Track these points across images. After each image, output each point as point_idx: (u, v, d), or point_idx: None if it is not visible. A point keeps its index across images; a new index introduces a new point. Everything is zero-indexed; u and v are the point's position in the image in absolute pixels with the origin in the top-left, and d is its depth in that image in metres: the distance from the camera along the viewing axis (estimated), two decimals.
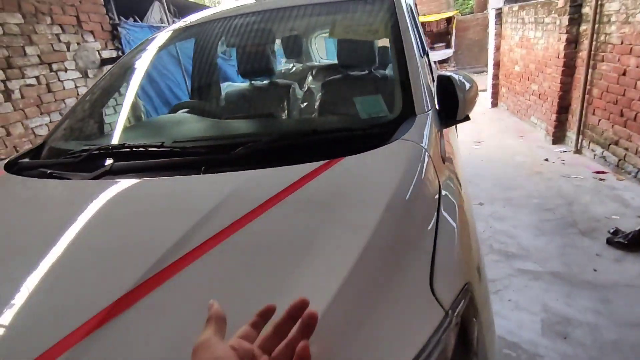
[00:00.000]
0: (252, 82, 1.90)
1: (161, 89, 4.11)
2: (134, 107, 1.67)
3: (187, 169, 0.85)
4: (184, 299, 0.53)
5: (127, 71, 1.59)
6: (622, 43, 2.92)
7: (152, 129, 1.38)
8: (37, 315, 0.54)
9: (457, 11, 11.20)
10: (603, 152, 3.31)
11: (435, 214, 0.67)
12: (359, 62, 1.47)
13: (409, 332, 0.48)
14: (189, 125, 1.27)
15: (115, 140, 1.21)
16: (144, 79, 2.97)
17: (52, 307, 0.55)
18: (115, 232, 0.69)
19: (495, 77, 6.32)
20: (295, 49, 2.46)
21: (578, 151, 3.72)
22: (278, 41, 2.33)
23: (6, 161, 1.18)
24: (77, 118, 1.38)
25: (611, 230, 2.26)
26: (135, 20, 4.01)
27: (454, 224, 0.69)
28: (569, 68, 3.75)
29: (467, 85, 1.13)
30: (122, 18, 3.73)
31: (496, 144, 4.39)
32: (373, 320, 0.48)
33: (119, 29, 3.61)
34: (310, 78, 2.70)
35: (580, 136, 3.68)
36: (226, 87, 2.16)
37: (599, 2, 3.16)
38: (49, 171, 0.99)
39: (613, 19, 3.02)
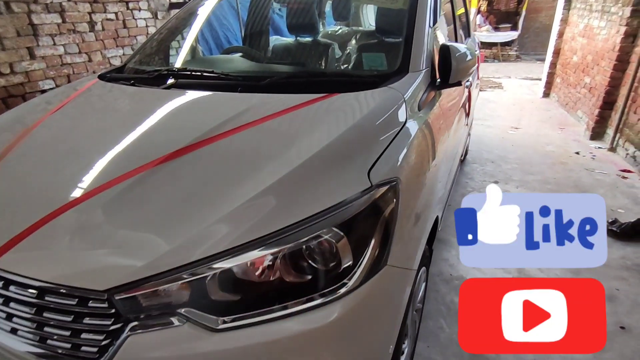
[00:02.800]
0: (298, 38, 2.17)
1: (219, 37, 4.46)
2: (193, 46, 2.00)
3: (228, 89, 1.18)
4: (205, 165, 0.86)
5: (190, 16, 1.91)
6: None
7: (206, 63, 1.71)
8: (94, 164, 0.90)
9: None
10: (635, 151, 3.28)
11: (393, 137, 0.95)
12: (384, 28, 1.69)
13: (342, 191, 0.77)
14: (235, 63, 1.60)
15: (178, 66, 1.57)
16: (204, 24, 3.33)
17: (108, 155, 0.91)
18: (164, 120, 1.05)
19: (553, 65, 6.05)
20: (344, 13, 2.66)
21: (612, 149, 3.67)
22: (330, 4, 2.55)
23: (100, 73, 1.58)
24: (150, 49, 1.74)
25: (610, 220, 2.37)
26: None
27: (405, 148, 0.96)
28: (621, 62, 3.63)
29: (466, 57, 1.34)
30: None
31: (533, 132, 4.37)
32: (321, 182, 0.78)
33: None
34: (353, 41, 2.91)
35: (618, 134, 3.62)
36: (274, 40, 2.45)
37: None
38: (131, 81, 1.36)
39: None
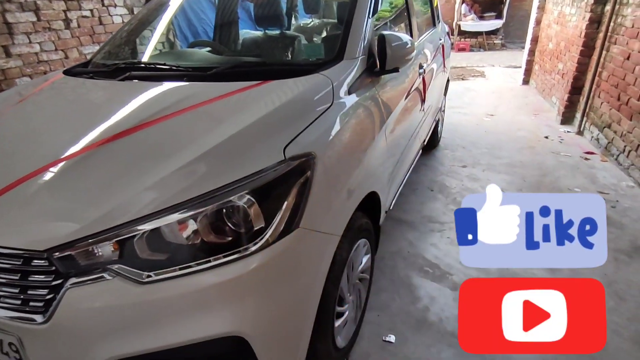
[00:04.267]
0: (266, 31, 2.26)
1: (198, 32, 4.53)
2: (161, 39, 2.10)
3: (177, 79, 1.29)
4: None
5: (157, 10, 2.00)
6: (632, 26, 2.95)
7: (168, 56, 1.81)
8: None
9: None
10: (598, 134, 3.42)
11: (315, 117, 1.06)
12: (332, 20, 1.79)
13: (258, 163, 0.89)
14: (194, 56, 1.70)
15: (135, 60, 1.67)
16: (181, 18, 3.40)
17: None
18: (112, 107, 1.17)
19: (531, 53, 6.16)
20: (313, 5, 2.75)
21: (580, 132, 3.81)
22: None
23: (64, 69, 1.67)
24: (114, 44, 1.83)
25: None
26: None
27: (327, 128, 1.08)
28: (587, 48, 3.75)
29: (403, 45, 1.45)
30: None
31: (507, 119, 4.49)
32: (240, 156, 0.90)
33: None
34: (324, 33, 3.01)
35: (585, 118, 3.75)
36: (244, 34, 2.54)
37: None
38: (91, 74, 1.46)
39: (631, 0, 3.02)
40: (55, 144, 1.01)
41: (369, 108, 1.35)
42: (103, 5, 3.47)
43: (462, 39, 10.31)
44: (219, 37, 2.60)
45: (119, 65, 1.49)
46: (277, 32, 2.24)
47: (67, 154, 0.94)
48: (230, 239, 0.85)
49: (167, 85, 1.25)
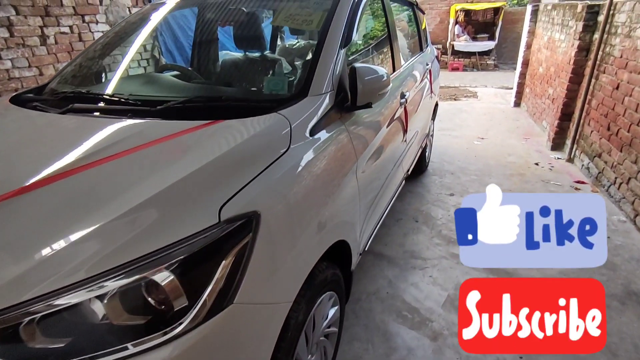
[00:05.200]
0: (246, 53, 2.16)
1: (184, 49, 4.45)
2: (128, 60, 1.96)
3: (121, 114, 1.16)
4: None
5: (132, 28, 1.87)
6: (621, 56, 2.89)
7: (129, 82, 1.68)
8: None
9: (505, 2, 10.62)
10: (589, 163, 3.33)
11: (268, 166, 0.94)
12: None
13: (185, 229, 0.75)
14: (153, 84, 1.58)
15: (90, 87, 1.54)
16: (158, 34, 3.27)
17: None
18: (37, 149, 1.05)
19: (522, 76, 6.16)
20: None
21: (570, 160, 3.73)
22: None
23: (13, 95, 1.54)
24: (76, 65, 1.71)
25: None
26: None
27: (283, 178, 0.95)
28: (577, 75, 3.70)
29: (375, 78, 1.34)
30: None
31: (498, 142, 4.42)
32: (166, 219, 0.76)
33: None
34: (310, 55, 2.92)
35: (575, 145, 3.68)
36: (224, 55, 2.43)
37: (611, 12, 3.10)
38: (34, 104, 1.33)
39: (619, 31, 2.97)
40: None
41: (336, 149, 1.23)
42: (84, 21, 3.38)
43: (456, 59, 10.39)
44: (197, 58, 2.50)
45: (66, 93, 1.36)
46: (257, 54, 2.14)
47: None
48: (146, 321, 0.70)
49: (107, 123, 1.12)
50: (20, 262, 0.69)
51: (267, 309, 0.87)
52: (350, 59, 1.78)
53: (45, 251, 0.70)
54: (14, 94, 1.56)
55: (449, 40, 10.60)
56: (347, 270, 1.49)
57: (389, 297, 1.95)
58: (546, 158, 3.87)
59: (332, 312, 1.35)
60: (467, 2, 10.73)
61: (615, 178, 2.84)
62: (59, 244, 0.71)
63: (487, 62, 10.37)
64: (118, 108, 1.21)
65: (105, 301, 0.68)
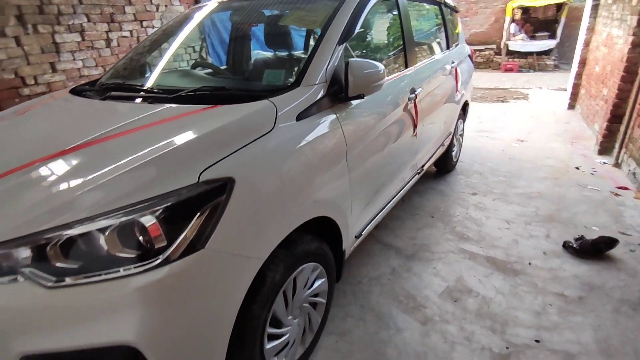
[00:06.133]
0: (276, 52, 2.36)
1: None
2: (167, 59, 2.24)
3: (144, 100, 1.41)
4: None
5: (163, 34, 2.17)
6: None
7: (157, 76, 1.93)
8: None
9: None
10: (635, 168, 3.10)
11: (250, 142, 1.11)
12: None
13: (171, 185, 0.94)
14: (176, 78, 1.84)
15: (130, 80, 1.83)
16: (206, 35, 3.61)
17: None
18: (78, 123, 1.33)
19: (578, 76, 5.76)
20: None
21: (617, 165, 3.48)
22: None
23: (72, 87, 1.87)
24: (120, 66, 2.02)
25: (576, 237, 2.30)
26: None
27: (263, 152, 1.12)
28: (629, 74, 3.45)
29: (368, 72, 1.45)
30: None
31: (539, 145, 4.22)
32: (158, 177, 0.96)
33: None
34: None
35: (624, 149, 3.43)
36: (256, 54, 2.67)
37: None
38: (85, 93, 1.64)
39: None
40: (12, 155, 1.16)
41: (323, 134, 1.36)
42: (142, 26, 3.83)
43: (510, 59, 9.88)
44: (230, 55, 2.74)
45: (108, 85, 1.66)
46: (285, 53, 2.33)
47: (16, 165, 1.08)
48: (134, 253, 0.91)
49: (131, 107, 1.38)
50: (52, 200, 0.93)
51: (237, 259, 1.04)
52: (358, 54, 1.91)
53: (68, 193, 0.94)
54: (73, 86, 1.90)
55: (503, 39, 10.12)
56: (339, 249, 1.62)
57: (389, 282, 2.03)
58: (590, 162, 3.64)
59: (317, 283, 1.49)
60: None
61: None
62: (78, 190, 0.94)
63: (546, 62, 9.73)
64: (143, 95, 1.46)
65: (106, 234, 0.90)
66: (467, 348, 1.60)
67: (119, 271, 0.89)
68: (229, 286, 1.04)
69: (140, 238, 0.91)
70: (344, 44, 1.56)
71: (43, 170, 1.05)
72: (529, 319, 1.74)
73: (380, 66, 1.50)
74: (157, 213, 0.91)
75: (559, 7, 9.73)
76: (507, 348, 1.59)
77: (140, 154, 1.03)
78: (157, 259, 0.90)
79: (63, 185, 0.98)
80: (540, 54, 9.78)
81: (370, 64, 1.48)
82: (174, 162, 1.01)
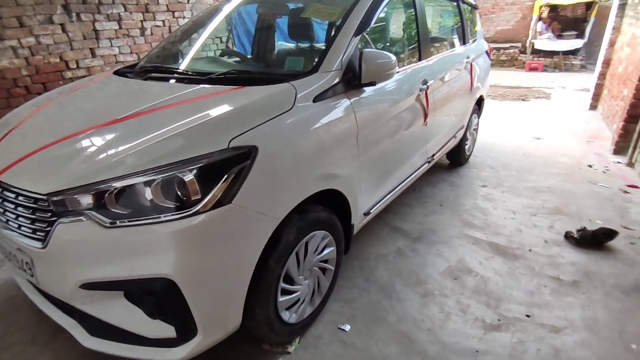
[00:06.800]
0: (298, 43, 2.53)
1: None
2: (198, 46, 2.44)
3: (181, 81, 1.60)
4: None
5: (195, 24, 2.37)
6: None
7: (195, 61, 2.14)
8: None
9: None
10: None
11: (272, 117, 1.28)
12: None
13: (206, 148, 1.13)
14: (208, 63, 2.04)
15: (164, 63, 2.04)
16: (233, 27, 3.83)
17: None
18: (128, 97, 1.55)
19: (602, 76, 5.69)
20: None
21: (630, 164, 3.50)
22: None
23: (115, 69, 2.10)
24: (157, 51, 2.24)
25: (579, 228, 2.39)
26: None
27: (283, 127, 1.29)
28: None
29: (381, 62, 1.60)
30: None
31: (555, 143, 4.25)
32: (196, 142, 1.15)
33: None
34: None
35: (638, 149, 3.44)
36: (279, 45, 2.84)
37: None
38: (127, 74, 1.85)
39: None
40: (73, 123, 1.37)
41: (336, 115, 1.53)
42: (174, 16, 4.06)
43: (536, 58, 9.73)
44: (257, 45, 2.91)
45: (147, 68, 1.87)
46: (307, 44, 2.50)
47: (78, 130, 1.29)
48: (174, 204, 1.10)
49: (171, 86, 1.57)
50: (108, 158, 1.14)
51: (257, 215, 1.21)
52: (373, 46, 2.06)
53: (121, 153, 1.14)
54: (116, 68, 2.12)
55: (529, 38, 9.96)
56: (348, 223, 1.79)
57: (394, 260, 2.19)
58: (604, 161, 3.67)
59: (327, 250, 1.66)
60: None
61: None
62: (129, 150, 1.14)
63: (573, 62, 9.53)
64: (181, 77, 1.65)
65: (152, 187, 1.09)
66: (462, 318, 1.74)
67: (160, 217, 1.08)
68: (250, 237, 1.22)
69: (179, 191, 1.10)
70: (360, 35, 1.71)
71: (100, 135, 1.25)
72: (522, 297, 1.87)
73: (392, 57, 1.64)
74: (194, 171, 1.10)
75: (589, 5, 9.49)
76: (499, 320, 1.72)
77: (179, 123, 1.22)
78: (192, 209, 1.09)
79: (117, 147, 1.18)
80: (567, 53, 9.58)
81: (382, 54, 1.62)
82: (208, 131, 1.20)
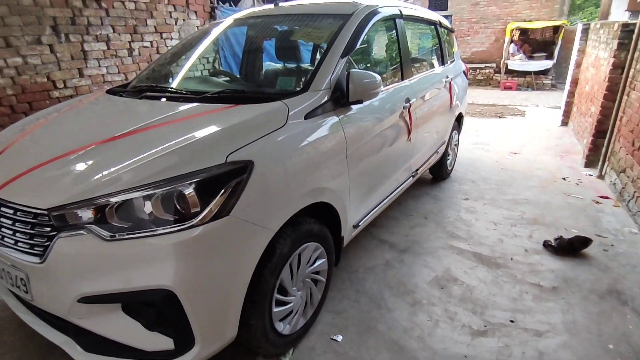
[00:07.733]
0: (285, 64, 2.63)
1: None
2: (187, 67, 2.52)
3: (173, 100, 1.66)
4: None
5: (190, 45, 2.45)
6: None
7: (186, 81, 2.20)
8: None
9: (566, 21, 10.28)
10: (616, 179, 3.33)
11: (267, 134, 1.35)
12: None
13: (204, 164, 1.18)
14: (200, 83, 2.11)
15: (156, 83, 2.10)
16: (220, 49, 3.93)
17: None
18: (120, 116, 1.60)
19: (571, 94, 6.05)
20: None
21: (601, 176, 3.70)
22: None
23: (108, 89, 2.14)
24: (148, 72, 2.29)
25: (556, 237, 2.51)
26: (230, 5, 5.06)
27: (276, 143, 1.36)
28: (611, 93, 3.71)
29: (367, 81, 1.70)
30: (220, 2, 4.79)
31: (531, 158, 4.45)
32: (192, 157, 1.20)
33: (216, 11, 4.67)
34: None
35: (607, 162, 3.66)
36: (266, 66, 2.94)
37: None
38: (121, 93, 1.90)
39: None
40: (71, 141, 1.40)
41: (326, 131, 1.61)
42: (161, 38, 4.14)
43: (510, 78, 10.22)
44: (244, 65, 2.99)
45: (142, 87, 1.92)
46: (294, 65, 2.60)
47: (76, 147, 1.32)
48: (173, 217, 1.14)
49: (165, 105, 1.63)
50: (109, 173, 1.17)
51: (254, 227, 1.26)
52: (360, 67, 2.17)
53: (121, 168, 1.18)
54: (109, 88, 2.16)
55: (503, 59, 10.49)
56: (339, 236, 1.85)
57: (383, 272, 2.24)
58: (577, 174, 3.87)
59: (319, 262, 1.71)
60: (524, 20, 10.58)
61: (634, 192, 2.86)
62: (129, 165, 1.18)
63: (544, 81, 10.07)
64: (175, 96, 1.71)
65: (152, 201, 1.13)
66: (450, 325, 1.80)
67: (160, 230, 1.12)
68: (247, 248, 1.26)
69: (178, 204, 1.14)
70: (347, 56, 1.82)
71: (100, 151, 1.29)
72: (506, 303, 1.95)
73: (377, 77, 1.75)
74: (193, 185, 1.14)
75: (556, 29, 10.12)
76: (485, 326, 1.79)
77: (178, 139, 1.27)
78: (191, 222, 1.13)
79: (116, 162, 1.22)
80: (538, 73, 10.12)
81: (368, 74, 1.73)
82: (206, 146, 1.25)
